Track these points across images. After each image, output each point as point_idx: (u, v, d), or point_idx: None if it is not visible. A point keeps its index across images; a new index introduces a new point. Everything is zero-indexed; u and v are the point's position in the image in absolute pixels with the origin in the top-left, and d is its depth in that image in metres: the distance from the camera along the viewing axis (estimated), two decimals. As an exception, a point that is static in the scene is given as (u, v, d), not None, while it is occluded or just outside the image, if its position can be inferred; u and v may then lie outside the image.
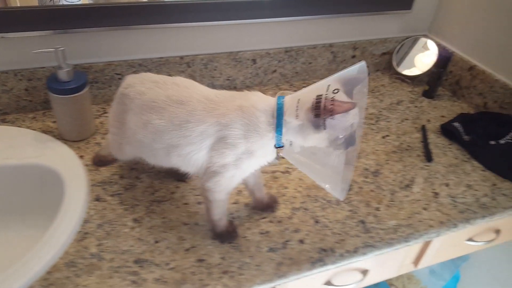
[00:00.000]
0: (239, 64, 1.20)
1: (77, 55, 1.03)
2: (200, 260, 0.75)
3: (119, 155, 0.87)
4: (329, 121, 0.62)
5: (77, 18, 0.97)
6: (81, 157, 0.94)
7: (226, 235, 0.79)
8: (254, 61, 1.21)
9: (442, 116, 1.23)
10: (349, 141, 0.66)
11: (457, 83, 1.31)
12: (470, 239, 1.06)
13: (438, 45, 1.35)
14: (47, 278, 0.70)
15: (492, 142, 1.08)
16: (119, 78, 1.08)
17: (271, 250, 0.79)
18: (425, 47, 1.34)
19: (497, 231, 1.09)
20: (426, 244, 1.00)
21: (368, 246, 0.82)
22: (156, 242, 0.78)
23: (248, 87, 1.25)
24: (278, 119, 0.67)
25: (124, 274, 0.72)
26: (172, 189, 0.89)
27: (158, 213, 0.83)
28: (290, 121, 0.66)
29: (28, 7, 0.93)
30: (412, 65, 1.36)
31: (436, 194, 0.96)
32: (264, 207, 0.86)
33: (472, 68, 1.26)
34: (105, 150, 0.93)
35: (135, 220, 0.81)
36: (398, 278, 1.42)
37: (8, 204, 0.90)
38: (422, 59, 1.34)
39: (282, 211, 0.87)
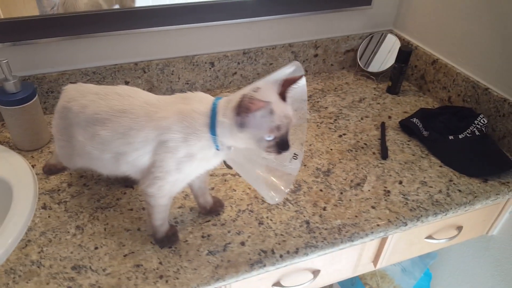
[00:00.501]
0: (197, 67, 1.22)
1: (30, 66, 1.06)
2: (138, 266, 0.77)
3: (71, 165, 0.90)
4: (250, 120, 0.63)
5: (26, 29, 1.01)
6: (33, 166, 0.97)
7: (166, 240, 0.81)
8: (212, 64, 1.23)
9: (405, 112, 1.23)
10: (281, 145, 0.67)
11: (422, 77, 1.32)
12: (429, 237, 1.06)
13: (401, 40, 1.35)
14: (-15, 286, 0.73)
15: (451, 137, 1.08)
16: (76, 87, 1.11)
17: (210, 253, 0.81)
18: (389, 43, 1.35)
19: (459, 228, 1.09)
20: (382, 243, 1.01)
21: (310, 247, 0.83)
22: (96, 248, 0.80)
23: (209, 90, 1.27)
24: (212, 120, 0.68)
25: (61, 280, 0.74)
26: (118, 196, 0.92)
27: (101, 220, 0.86)
28: (221, 121, 0.67)
29: (-23, 21, 0.97)
30: (376, 61, 1.37)
31: (387, 192, 0.97)
32: (208, 212, 0.88)
33: (435, 61, 1.26)
34: (54, 158, 0.96)
35: (77, 227, 0.84)
36: (372, 277, 1.43)
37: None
38: (386, 55, 1.34)
39: (228, 213, 0.89)
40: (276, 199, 0.75)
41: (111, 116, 0.73)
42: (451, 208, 0.94)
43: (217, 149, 0.70)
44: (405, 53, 1.24)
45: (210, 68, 1.23)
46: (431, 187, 0.99)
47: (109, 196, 0.92)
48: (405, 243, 1.04)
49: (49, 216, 0.86)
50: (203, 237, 0.84)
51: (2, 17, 0.98)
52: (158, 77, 1.19)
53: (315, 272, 0.95)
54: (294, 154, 0.75)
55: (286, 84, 0.67)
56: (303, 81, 0.71)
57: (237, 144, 0.70)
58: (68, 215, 0.87)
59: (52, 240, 0.81)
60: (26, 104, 0.95)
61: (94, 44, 1.09)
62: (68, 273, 0.75)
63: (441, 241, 1.08)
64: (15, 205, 0.86)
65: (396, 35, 1.37)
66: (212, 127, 0.68)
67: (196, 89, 1.26)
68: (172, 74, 1.20)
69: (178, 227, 0.85)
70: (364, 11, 1.34)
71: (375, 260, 1.05)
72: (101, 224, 0.85)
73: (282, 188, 0.74)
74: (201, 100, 0.72)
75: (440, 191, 0.98)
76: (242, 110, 0.63)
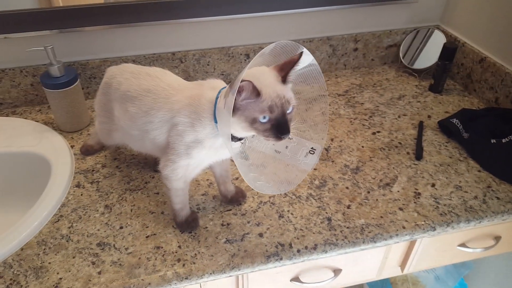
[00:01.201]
0: (232, 59, 1.22)
1: (75, 52, 1.12)
2: (158, 247, 0.80)
3: (109, 142, 0.95)
4: (236, 102, 0.59)
5: (74, 17, 1.06)
6: (72, 146, 1.03)
7: (186, 225, 0.83)
8: (247, 55, 1.23)
9: (446, 112, 1.16)
10: (278, 128, 0.62)
11: (469, 76, 1.24)
12: (463, 245, 1.00)
13: (448, 36, 1.27)
14: (20, 254, 0.78)
15: (493, 141, 1.01)
16: (116, 74, 1.16)
17: (228, 241, 0.81)
18: (434, 39, 1.28)
19: (497, 238, 1.02)
20: (410, 247, 0.97)
21: (330, 244, 0.82)
22: (121, 227, 0.84)
23: (244, 82, 1.27)
24: (215, 108, 0.68)
25: (86, 255, 0.78)
26: (147, 179, 0.95)
27: (129, 201, 0.89)
28: (218, 107, 0.65)
29: (30, 9, 1.03)
30: (420, 58, 1.30)
31: (417, 195, 0.92)
32: (229, 201, 0.89)
33: (483, 60, 1.18)
34: (92, 139, 1.01)
35: (106, 207, 0.88)
36: (403, 282, 1.37)
37: (2, 187, 1.02)
38: (430, 51, 1.27)
39: (249, 204, 0.89)
40: (265, 190, 0.71)
41: (138, 95, 0.77)
42: (486, 216, 0.88)
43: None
44: (450, 49, 1.17)
45: (245, 60, 1.24)
46: (466, 192, 0.93)
47: (138, 179, 0.95)
48: (436, 249, 0.99)
49: (81, 194, 0.91)
50: (222, 225, 0.85)
51: (61, 4, 1.05)
52: (194, 68, 1.21)
53: (336, 271, 0.93)
54: (312, 148, 0.73)
55: (286, 67, 0.64)
56: (310, 62, 0.67)
57: (236, 132, 0.67)
58: (99, 194, 0.91)
59: (82, 217, 0.86)
60: (68, 88, 1.00)
61: (134, 33, 1.14)
62: (93, 249, 0.80)
63: (476, 250, 1.02)
64: (52, 181, 0.91)
65: (443, 30, 1.30)
66: (215, 115, 0.68)
67: (232, 80, 1.27)
68: (208, 64, 1.22)
69: (199, 214, 0.87)
70: (409, 5, 1.27)
71: (403, 265, 1.01)
72: (128, 205, 0.89)
73: (290, 181, 0.73)
74: (213, 87, 0.72)
75: (475, 197, 0.92)
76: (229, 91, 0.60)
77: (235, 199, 0.89)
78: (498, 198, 0.92)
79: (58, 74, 0.99)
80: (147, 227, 0.84)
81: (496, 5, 1.13)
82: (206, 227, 0.84)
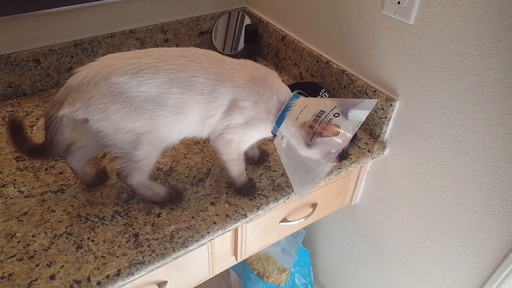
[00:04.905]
0: (18, 67, 0.98)
1: None
2: None
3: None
4: (318, 140, 0.63)
5: None
6: None
7: (245, 190, 0.81)
8: (37, 61, 1.00)
9: (259, 93, 1.10)
10: (342, 155, 0.69)
11: (277, 55, 1.20)
12: (284, 220, 0.97)
13: (253, 17, 1.21)
14: None
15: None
16: None
17: (5, 299, 0.63)
18: (240, 22, 1.20)
19: (314, 205, 1.01)
20: (235, 236, 0.89)
21: (136, 264, 0.69)
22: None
23: (42, 92, 1.04)
24: (282, 113, 0.69)
25: None
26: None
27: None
28: (292, 131, 0.67)
29: None
30: (233, 42, 1.22)
31: (229, 185, 0.84)
32: (256, 162, 0.88)
33: (284, 37, 1.14)
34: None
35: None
36: (258, 261, 1.33)
37: None
38: (239, 34, 1.20)
39: (39, 242, 0.71)
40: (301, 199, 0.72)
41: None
42: (293, 191, 0.84)
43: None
44: (251, 32, 1.10)
45: (36, 67, 1.00)
46: (275, 171, 0.88)
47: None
48: (260, 231, 0.94)
49: None
50: (2, 278, 0.65)
51: None
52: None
53: (161, 284, 0.81)
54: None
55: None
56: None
57: (301, 152, 0.68)
58: None
59: None
60: None
61: None
62: None
63: (296, 222, 0.98)
64: None
65: (249, 12, 1.23)
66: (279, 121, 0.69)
67: (24, 92, 1.02)
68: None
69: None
70: (208, -11, 1.17)
71: (235, 253, 0.94)
72: None
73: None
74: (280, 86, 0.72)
75: (283, 174, 0.87)
76: (315, 133, 0.63)
77: (262, 158, 0.88)
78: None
79: None
80: None
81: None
82: (-21, 286, 0.64)
